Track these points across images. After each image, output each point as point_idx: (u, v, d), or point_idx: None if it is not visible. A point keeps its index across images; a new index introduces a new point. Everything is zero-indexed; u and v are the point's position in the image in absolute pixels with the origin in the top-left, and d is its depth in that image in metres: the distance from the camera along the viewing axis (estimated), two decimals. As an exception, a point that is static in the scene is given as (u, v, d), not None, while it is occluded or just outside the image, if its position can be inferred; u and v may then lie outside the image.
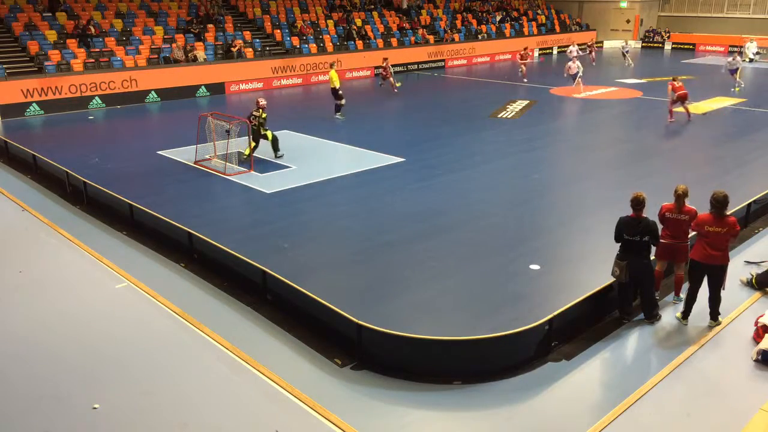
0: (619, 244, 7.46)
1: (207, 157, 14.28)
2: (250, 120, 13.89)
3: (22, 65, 21.03)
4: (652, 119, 19.21)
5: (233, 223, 10.73)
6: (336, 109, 19.30)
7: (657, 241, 7.43)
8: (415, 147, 15.34)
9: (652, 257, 7.59)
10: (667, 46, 41.24)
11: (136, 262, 9.35)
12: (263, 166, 13.92)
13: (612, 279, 7.59)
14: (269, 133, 14.23)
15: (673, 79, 18.64)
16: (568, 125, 18.00)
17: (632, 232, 7.27)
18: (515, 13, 40.05)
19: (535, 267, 8.89)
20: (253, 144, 14.01)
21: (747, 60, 27.76)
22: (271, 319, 7.65)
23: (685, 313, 7.56)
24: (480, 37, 35.21)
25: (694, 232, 7.55)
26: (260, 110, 13.96)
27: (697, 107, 20.69)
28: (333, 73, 18.83)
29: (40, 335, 7.42)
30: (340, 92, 19.06)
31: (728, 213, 7.31)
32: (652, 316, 7.56)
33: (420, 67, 30.99)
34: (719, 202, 7.18)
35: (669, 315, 7.74)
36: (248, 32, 26.85)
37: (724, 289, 7.41)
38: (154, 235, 10.09)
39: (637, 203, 7.27)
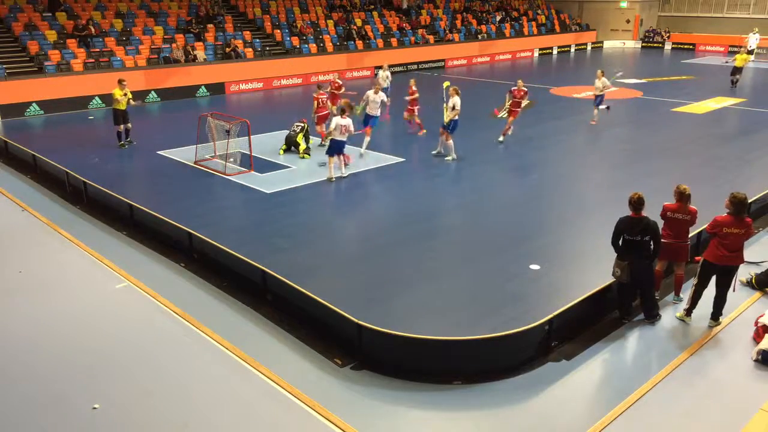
0: (619, 244, 7.42)
1: (207, 157, 14.28)
2: (294, 129, 15.04)
3: (22, 65, 21.02)
4: (653, 119, 19.22)
5: (233, 223, 10.73)
6: (119, 136, 15.61)
7: (659, 242, 7.34)
8: (415, 147, 15.33)
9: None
10: (667, 46, 41.26)
11: (136, 262, 9.35)
12: (263, 166, 13.91)
13: (612, 279, 7.59)
14: (303, 144, 14.98)
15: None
16: (567, 125, 17.99)
17: (633, 232, 7.24)
18: (515, 13, 40.04)
19: (535, 267, 8.89)
20: (284, 147, 15.03)
21: (746, 51, 27.57)
22: (271, 319, 7.65)
23: (689, 311, 7.55)
24: (480, 37, 35.20)
25: (693, 232, 7.54)
26: (303, 122, 15.17)
27: (698, 107, 20.70)
28: (117, 92, 15.05)
29: (40, 335, 7.42)
30: (119, 115, 15.34)
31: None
32: (652, 317, 7.56)
33: (420, 67, 31.00)
34: (742, 204, 7.13)
35: (669, 315, 7.74)
36: (248, 32, 26.86)
37: (734, 290, 7.41)
38: (154, 235, 10.09)
39: (639, 203, 7.23)
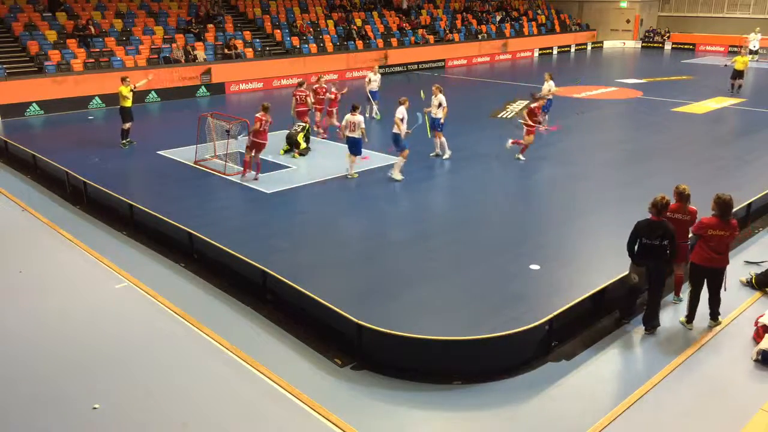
0: (634, 248, 7.20)
1: (207, 157, 14.28)
2: (296, 128, 15.21)
3: (22, 65, 21.02)
4: (653, 119, 19.22)
5: (233, 223, 10.72)
6: (122, 134, 15.68)
7: (675, 247, 7.12)
8: (415, 147, 15.32)
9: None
10: (667, 46, 41.24)
11: (136, 262, 9.35)
12: (263, 166, 13.90)
13: (611, 279, 7.58)
14: (303, 144, 15.12)
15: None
16: (568, 125, 17.99)
17: (654, 236, 7.03)
18: (515, 13, 40.05)
19: (535, 267, 8.88)
20: (286, 147, 15.02)
21: (747, 52, 27.61)
22: (271, 319, 7.65)
23: (690, 317, 7.50)
24: (480, 37, 35.21)
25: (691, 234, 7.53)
26: (305, 122, 15.44)
27: (698, 107, 20.70)
28: (124, 89, 15.06)
29: (40, 335, 7.42)
30: (127, 113, 15.37)
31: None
32: (652, 327, 7.36)
33: (420, 66, 31.00)
34: (727, 205, 7.06)
35: (669, 315, 7.74)
36: (248, 32, 26.86)
37: (725, 290, 7.40)
38: (154, 235, 10.09)
39: (664, 206, 7.05)
